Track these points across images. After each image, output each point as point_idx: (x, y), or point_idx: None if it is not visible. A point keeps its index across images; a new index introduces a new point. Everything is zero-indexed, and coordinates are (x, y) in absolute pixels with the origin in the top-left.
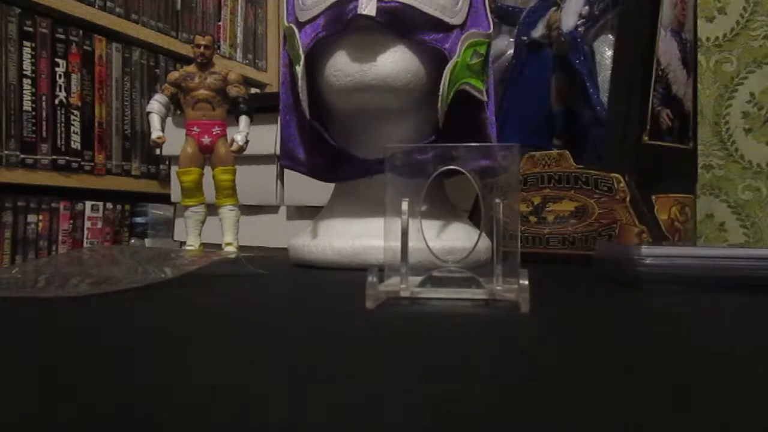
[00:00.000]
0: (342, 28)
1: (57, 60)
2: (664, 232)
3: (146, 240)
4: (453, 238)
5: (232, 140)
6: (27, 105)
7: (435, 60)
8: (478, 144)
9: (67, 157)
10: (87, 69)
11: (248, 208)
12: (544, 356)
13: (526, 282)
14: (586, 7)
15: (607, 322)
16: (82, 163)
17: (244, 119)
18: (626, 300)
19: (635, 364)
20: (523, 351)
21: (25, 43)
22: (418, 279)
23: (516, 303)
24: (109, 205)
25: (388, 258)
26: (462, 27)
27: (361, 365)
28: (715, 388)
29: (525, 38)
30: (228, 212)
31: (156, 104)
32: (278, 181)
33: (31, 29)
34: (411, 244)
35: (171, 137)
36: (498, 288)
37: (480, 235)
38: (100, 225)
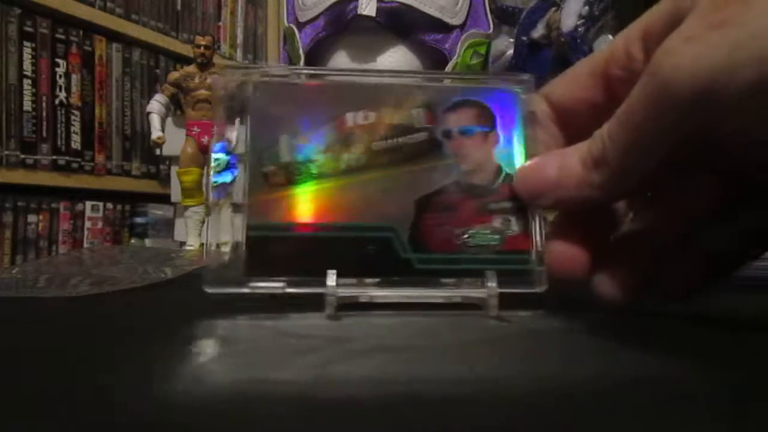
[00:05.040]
0: (342, 28)
1: (57, 60)
2: None
3: (146, 240)
4: None
5: None
6: (27, 105)
7: (435, 60)
8: None
9: (68, 157)
10: (87, 69)
11: None
12: (545, 357)
13: (495, 284)
14: (586, 8)
15: (606, 323)
16: (83, 163)
17: None
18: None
19: (635, 363)
20: (522, 353)
21: (26, 43)
22: (376, 280)
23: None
24: (110, 205)
25: None
26: (462, 27)
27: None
28: (715, 387)
29: (525, 38)
30: None
31: (156, 104)
32: None
33: (31, 29)
34: None
35: (171, 137)
36: (465, 289)
37: None
38: (100, 225)
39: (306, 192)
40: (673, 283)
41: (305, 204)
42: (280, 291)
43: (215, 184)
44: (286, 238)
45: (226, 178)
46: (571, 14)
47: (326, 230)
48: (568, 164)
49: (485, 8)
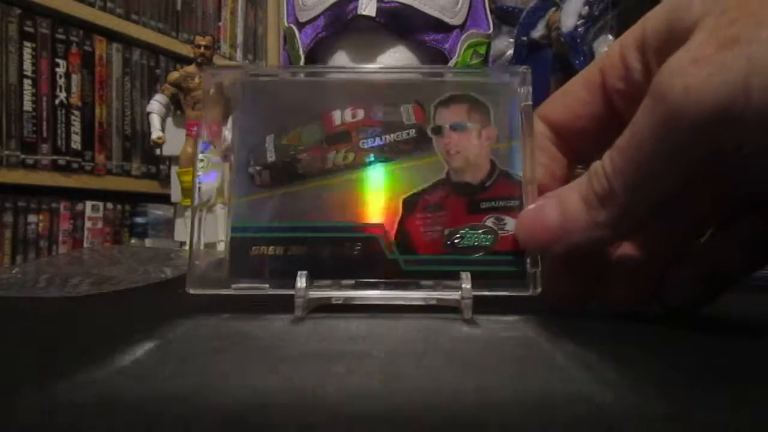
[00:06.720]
0: (342, 28)
1: (57, 60)
2: None
3: (146, 240)
4: None
5: None
6: (27, 105)
7: (435, 60)
8: None
9: (68, 158)
10: (87, 69)
11: None
12: (551, 359)
13: (469, 286)
14: (586, 8)
15: (606, 322)
16: (83, 163)
17: None
18: None
19: (635, 363)
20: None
21: (26, 43)
22: (351, 282)
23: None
24: (110, 205)
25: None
26: (462, 27)
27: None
28: (716, 387)
29: (525, 38)
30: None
31: (156, 104)
32: None
33: (31, 29)
34: None
35: (171, 137)
36: (440, 291)
37: None
38: (100, 225)
39: (291, 192)
40: (676, 298)
41: (290, 204)
42: (262, 293)
43: (200, 185)
44: (270, 240)
45: (212, 179)
46: (571, 14)
47: (311, 231)
48: (570, 206)
49: (485, 8)
